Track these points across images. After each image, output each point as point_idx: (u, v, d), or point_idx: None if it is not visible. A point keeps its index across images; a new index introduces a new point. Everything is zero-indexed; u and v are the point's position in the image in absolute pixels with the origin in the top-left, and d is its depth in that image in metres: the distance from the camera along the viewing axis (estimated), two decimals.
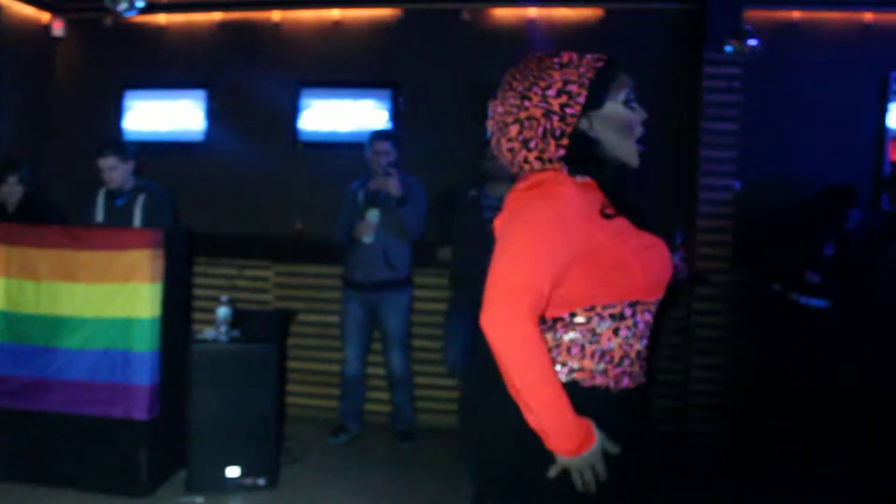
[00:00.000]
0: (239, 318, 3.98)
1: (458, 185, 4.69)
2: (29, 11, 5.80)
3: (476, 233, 4.57)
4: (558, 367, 1.59)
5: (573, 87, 1.62)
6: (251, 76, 5.76)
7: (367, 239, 4.49)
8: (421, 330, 4.92)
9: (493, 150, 1.76)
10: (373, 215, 4.48)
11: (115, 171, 4.34)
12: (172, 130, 5.87)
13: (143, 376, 3.66)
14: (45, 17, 5.93)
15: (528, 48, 5.39)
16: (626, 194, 1.69)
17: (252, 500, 3.75)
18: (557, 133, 1.62)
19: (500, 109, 1.69)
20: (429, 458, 4.50)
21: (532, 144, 1.64)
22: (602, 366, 1.59)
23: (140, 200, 4.34)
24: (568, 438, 1.50)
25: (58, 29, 5.97)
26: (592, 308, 1.59)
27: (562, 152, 1.63)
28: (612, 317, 1.59)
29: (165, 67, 5.92)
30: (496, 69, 5.63)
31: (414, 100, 5.58)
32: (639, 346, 1.63)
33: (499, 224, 1.68)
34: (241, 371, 3.79)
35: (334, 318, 4.90)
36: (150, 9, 5.26)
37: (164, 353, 3.76)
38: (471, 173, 4.68)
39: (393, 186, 4.43)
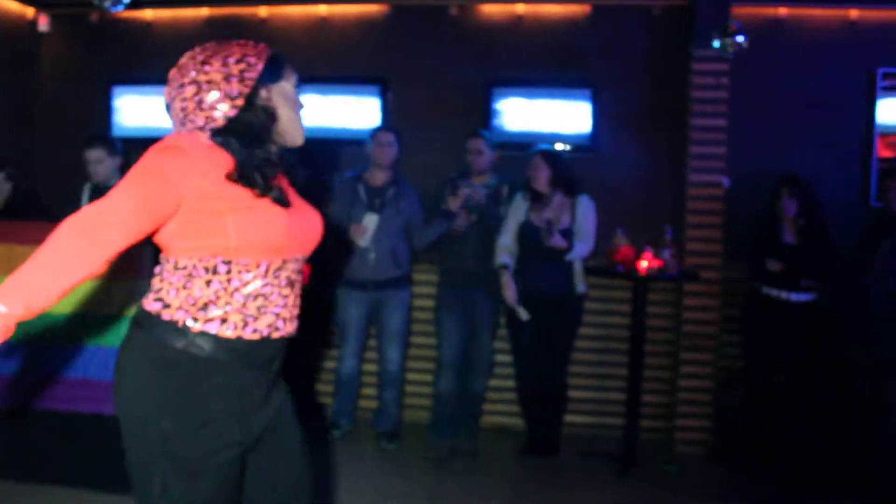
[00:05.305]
0: None
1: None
2: (13, 6, 5.73)
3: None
4: (152, 298, 1.79)
5: (251, 59, 1.81)
6: None
7: (363, 242, 4.49)
8: (416, 327, 4.92)
9: (168, 111, 1.86)
10: (371, 220, 4.48)
11: (101, 164, 4.33)
12: (162, 127, 5.80)
13: None
14: (29, 11, 5.86)
15: (516, 43, 5.44)
16: (292, 171, 1.94)
17: None
18: (235, 93, 1.77)
19: (177, 74, 1.82)
20: (418, 455, 4.51)
21: (206, 105, 1.78)
22: (187, 305, 1.75)
23: None
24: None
25: (43, 24, 5.90)
26: (193, 258, 1.76)
27: (234, 112, 1.78)
28: (207, 269, 1.75)
29: (153, 63, 5.82)
30: (485, 65, 5.66)
31: (402, 96, 5.56)
32: (231, 299, 1.76)
33: None
34: None
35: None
36: (136, 4, 5.22)
37: None
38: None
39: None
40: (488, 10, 5.51)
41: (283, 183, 1.92)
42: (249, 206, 1.74)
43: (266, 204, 1.77)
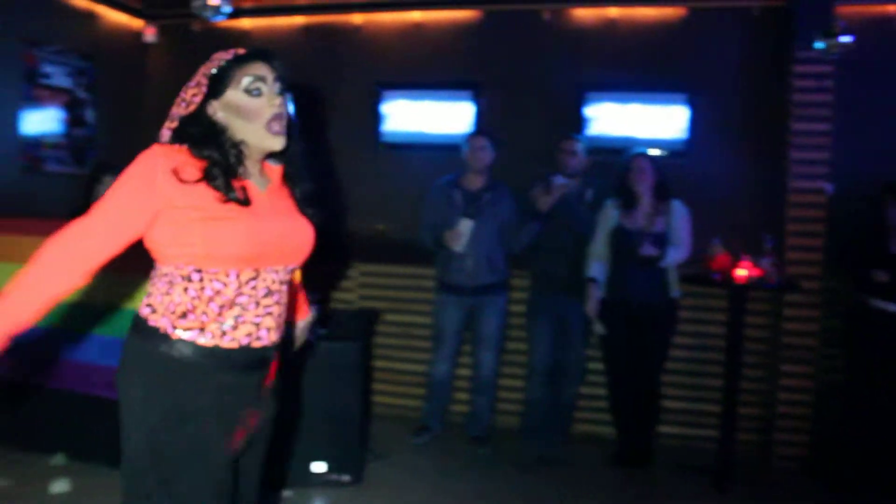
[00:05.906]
0: (326, 317, 4.05)
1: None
2: (122, 19, 6.00)
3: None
4: (144, 303, 1.86)
5: (202, 80, 1.87)
6: (333, 78, 5.83)
7: (458, 247, 4.49)
8: (509, 332, 4.90)
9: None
10: (466, 225, 4.48)
11: None
12: None
13: None
14: (137, 23, 6.13)
15: (610, 47, 5.38)
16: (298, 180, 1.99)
17: (337, 496, 3.81)
18: (179, 114, 1.88)
19: None
20: (509, 461, 4.49)
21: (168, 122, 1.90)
22: (168, 313, 1.81)
23: None
24: None
25: (149, 35, 6.17)
26: (171, 266, 1.82)
27: (167, 133, 1.87)
28: (183, 277, 1.81)
29: None
30: (578, 69, 5.60)
31: (495, 100, 5.57)
32: (207, 308, 1.80)
33: None
34: (328, 368, 3.85)
35: (416, 319, 4.93)
36: (236, 14, 5.40)
37: None
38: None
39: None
40: (581, 13, 5.47)
41: (283, 194, 1.97)
42: (218, 216, 1.77)
43: (236, 215, 1.79)
